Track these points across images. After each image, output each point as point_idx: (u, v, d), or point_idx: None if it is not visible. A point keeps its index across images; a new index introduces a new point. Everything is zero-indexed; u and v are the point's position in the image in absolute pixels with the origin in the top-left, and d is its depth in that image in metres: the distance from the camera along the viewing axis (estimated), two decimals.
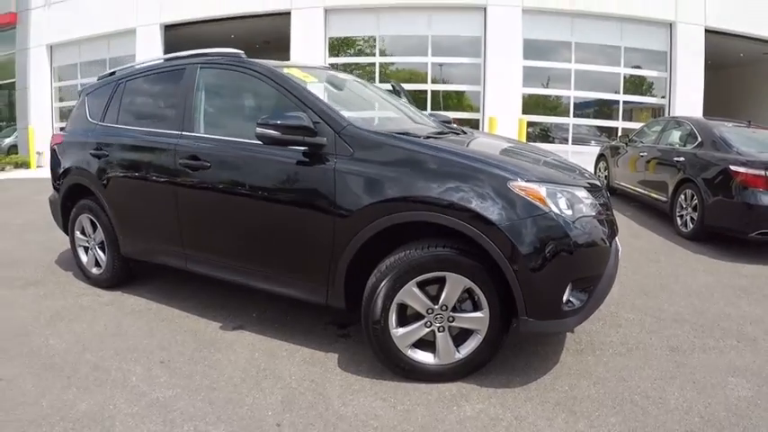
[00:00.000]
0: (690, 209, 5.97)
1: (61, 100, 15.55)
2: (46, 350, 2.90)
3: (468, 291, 2.43)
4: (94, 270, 3.99)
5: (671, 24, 12.08)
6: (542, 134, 12.82)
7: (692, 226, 5.90)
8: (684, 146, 6.51)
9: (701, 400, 2.45)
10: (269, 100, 3.18)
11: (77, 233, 4.04)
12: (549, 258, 2.30)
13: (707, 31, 11.95)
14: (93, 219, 3.87)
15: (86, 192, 3.88)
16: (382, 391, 2.45)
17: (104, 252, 3.85)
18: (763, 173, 5.12)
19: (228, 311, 3.43)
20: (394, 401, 2.36)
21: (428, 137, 2.86)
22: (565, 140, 12.30)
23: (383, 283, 2.44)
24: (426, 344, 2.53)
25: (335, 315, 3.16)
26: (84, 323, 3.29)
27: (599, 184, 2.99)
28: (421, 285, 2.44)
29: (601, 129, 13.26)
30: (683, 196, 6.16)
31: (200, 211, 3.25)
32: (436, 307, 2.46)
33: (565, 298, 2.37)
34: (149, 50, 12.82)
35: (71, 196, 4.03)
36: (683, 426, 2.22)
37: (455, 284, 2.41)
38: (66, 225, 4.14)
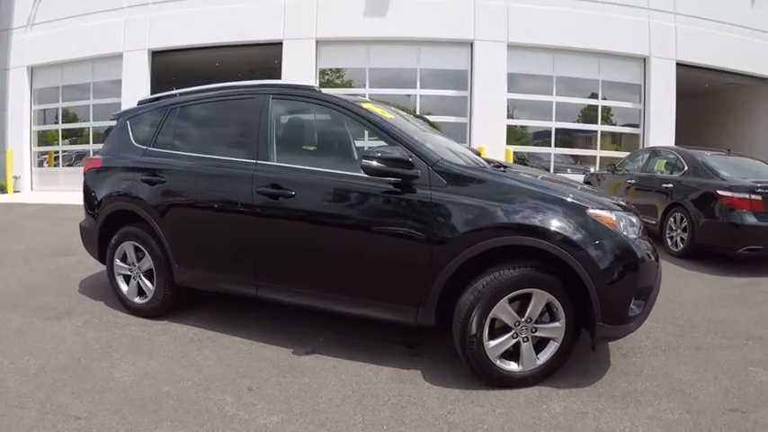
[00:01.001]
0: (679, 230, 6.72)
1: (40, 123, 15.41)
2: (114, 384, 2.80)
3: (548, 304, 2.84)
4: (137, 299, 3.89)
5: (645, 59, 13.17)
6: (520, 163, 13.64)
7: (682, 246, 6.64)
8: (671, 173, 7.30)
9: (734, 385, 3.04)
10: (345, 132, 3.64)
11: (117, 261, 3.93)
12: (622, 273, 2.81)
13: (678, 64, 13.07)
14: (140, 246, 3.79)
15: (131, 218, 3.84)
16: (477, 399, 2.77)
17: (152, 280, 3.78)
18: (747, 196, 5.91)
19: (293, 337, 3.50)
20: (491, 407, 2.69)
21: (504, 170, 3.34)
22: (546, 169, 13.13)
23: (481, 301, 2.76)
24: (508, 354, 2.91)
25: (399, 335, 3.52)
26: (142, 354, 3.20)
27: (636, 211, 3.51)
28: (510, 301, 2.82)
29: (574, 157, 14.24)
30: (672, 219, 6.91)
31: (281, 239, 3.32)
32: (522, 320, 2.85)
33: (630, 306, 2.89)
34: (136, 76, 13.12)
35: (111, 223, 3.95)
36: (726, 404, 2.80)
37: (540, 299, 2.81)
38: (103, 253, 4.03)
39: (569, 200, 2.93)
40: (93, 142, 14.08)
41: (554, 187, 3.12)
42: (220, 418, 2.51)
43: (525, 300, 2.84)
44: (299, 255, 3.32)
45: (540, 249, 2.79)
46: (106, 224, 4.00)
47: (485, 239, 2.82)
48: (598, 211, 2.90)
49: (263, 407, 2.63)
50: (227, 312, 3.96)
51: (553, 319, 2.89)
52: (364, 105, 3.40)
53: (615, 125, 14.07)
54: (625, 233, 2.92)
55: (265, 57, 14.66)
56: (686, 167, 7.03)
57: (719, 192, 6.13)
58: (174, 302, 3.85)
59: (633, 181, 8.21)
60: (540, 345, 2.92)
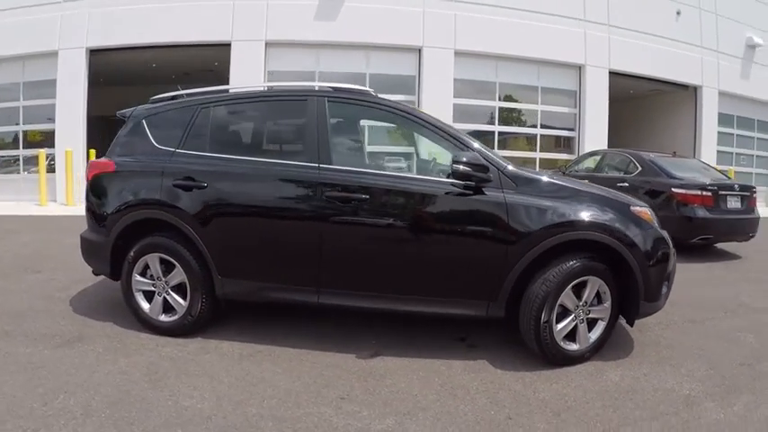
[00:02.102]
0: None
1: None
2: (192, 414, 2.57)
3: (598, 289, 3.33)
4: (163, 317, 3.61)
5: (580, 67, 14.36)
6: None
7: None
8: (626, 173, 8.18)
9: (733, 346, 3.76)
10: (402, 136, 3.95)
11: (137, 276, 3.62)
12: (658, 260, 3.38)
13: (610, 72, 14.38)
14: (169, 258, 3.55)
15: (156, 228, 3.61)
16: (549, 378, 3.13)
17: (182, 295, 3.56)
18: (699, 192, 6.86)
19: (344, 342, 3.55)
20: (565, 383, 3.07)
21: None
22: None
23: (552, 290, 3.17)
24: (568, 335, 3.33)
25: (446, 330, 3.80)
26: (198, 377, 3.00)
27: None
28: (571, 288, 3.26)
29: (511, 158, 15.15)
30: None
31: (352, 243, 3.36)
32: (580, 304, 3.30)
33: (662, 287, 3.45)
34: (72, 75, 12.50)
35: (130, 234, 3.64)
36: (735, 360, 3.50)
37: (594, 285, 3.28)
38: (116, 268, 3.71)
39: (618, 199, 3.52)
40: (24, 147, 13.28)
41: (599, 189, 3.68)
42: (333, 431, 2.48)
43: (581, 286, 3.31)
44: (370, 258, 3.40)
45: (599, 242, 3.29)
46: (124, 235, 3.65)
47: (555, 235, 3.23)
48: (638, 209, 3.49)
49: (368, 413, 2.63)
50: (259, 323, 3.86)
51: (601, 301, 3.37)
52: (420, 110, 3.75)
53: (554, 128, 15.12)
54: (658, 226, 3.53)
55: (203, 59, 14.53)
56: (640, 168, 7.92)
57: (674, 189, 7.02)
58: (210, 318, 3.65)
59: (587, 181, 9.03)
60: (590, 325, 3.39)
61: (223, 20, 12.38)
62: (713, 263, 6.78)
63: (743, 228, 7.22)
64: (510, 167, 3.43)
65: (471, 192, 3.29)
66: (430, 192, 3.37)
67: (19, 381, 2.87)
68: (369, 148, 4.14)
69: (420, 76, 13.41)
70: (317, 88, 3.74)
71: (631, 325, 3.68)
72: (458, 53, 13.42)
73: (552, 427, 2.59)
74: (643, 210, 3.52)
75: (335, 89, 3.68)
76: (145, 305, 3.65)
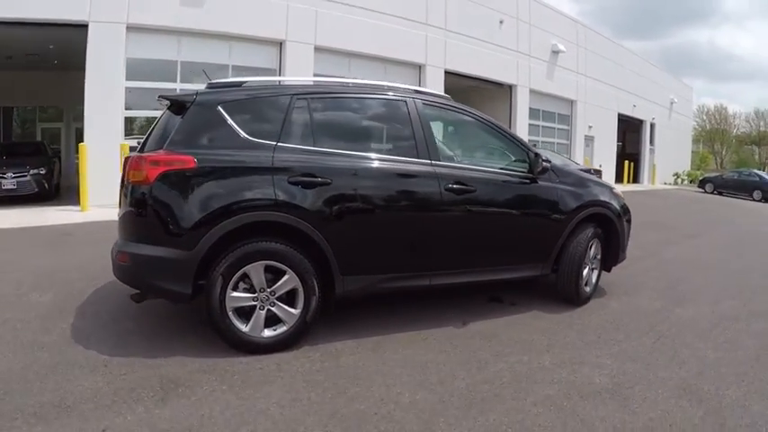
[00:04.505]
0: None
1: None
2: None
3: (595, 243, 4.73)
4: (267, 332, 3.37)
5: (421, 66, 16.15)
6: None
7: None
8: None
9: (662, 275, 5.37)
10: (479, 137, 4.58)
11: (232, 293, 3.27)
12: (628, 221, 5.00)
13: (446, 72, 16.45)
14: (280, 265, 3.32)
15: (257, 232, 3.34)
16: (578, 314, 4.43)
17: (291, 305, 3.41)
18: None
19: (437, 320, 4.07)
20: (591, 314, 4.48)
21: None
22: None
23: (583, 250, 4.46)
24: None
25: (484, 295, 4.70)
26: (394, 371, 3.19)
27: None
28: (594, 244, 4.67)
29: None
30: None
31: (460, 229, 3.96)
32: (591, 258, 4.65)
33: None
34: None
35: (225, 243, 3.26)
36: (676, 280, 5.05)
37: (597, 245, 4.72)
38: (198, 287, 3.28)
39: (605, 184, 4.99)
40: None
41: (594, 177, 5.07)
42: (508, 363, 3.34)
43: (590, 247, 4.60)
44: (471, 240, 4.04)
45: (603, 214, 4.68)
46: (219, 245, 3.24)
47: (584, 210, 4.53)
48: (615, 188, 5.05)
49: (510, 350, 3.56)
50: (335, 321, 3.91)
51: (596, 253, 4.75)
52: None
53: None
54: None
55: (43, 40, 12.91)
56: None
57: None
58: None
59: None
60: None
61: None
62: None
63: None
64: (553, 163, 4.54)
65: (530, 181, 4.33)
66: (512, 181, 4.28)
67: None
68: (458, 147, 4.74)
69: (281, 70, 13.76)
70: (402, 88, 4.16)
71: (609, 271, 5.10)
72: (318, 49, 14.08)
73: (570, 330, 4.09)
74: (617, 189, 5.04)
75: (428, 93, 4.24)
76: (242, 326, 3.31)
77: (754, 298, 5.23)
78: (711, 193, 25.72)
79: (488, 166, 4.38)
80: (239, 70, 13.20)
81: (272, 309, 3.37)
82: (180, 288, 3.24)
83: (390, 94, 4.03)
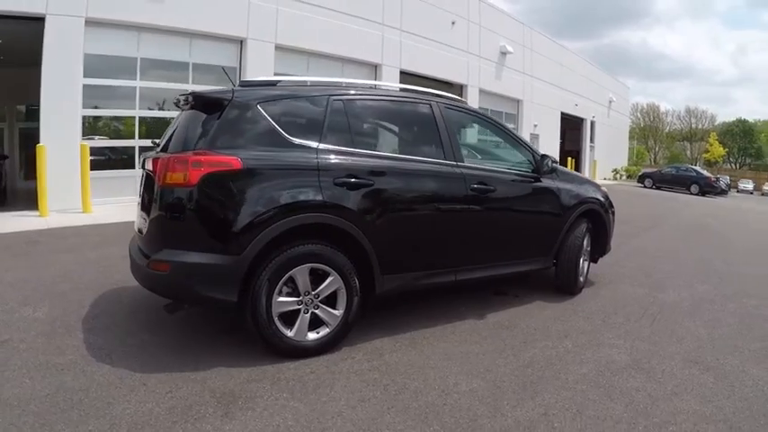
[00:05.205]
0: None
1: None
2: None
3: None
4: (312, 336, 3.41)
5: (377, 66, 16.49)
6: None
7: None
8: None
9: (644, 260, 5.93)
10: (491, 139, 4.97)
11: (278, 298, 3.27)
12: (613, 214, 5.57)
13: (401, 72, 16.84)
14: (324, 267, 3.38)
15: (302, 235, 3.36)
16: (570, 302, 4.91)
17: (334, 306, 3.47)
18: None
19: (456, 314, 4.37)
20: (586, 300, 4.97)
21: None
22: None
23: (581, 243, 4.97)
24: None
25: (489, 288, 5.10)
26: (449, 365, 3.38)
27: None
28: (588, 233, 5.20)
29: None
30: None
31: (482, 226, 4.26)
32: (585, 250, 5.15)
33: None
34: None
35: (270, 247, 3.23)
36: (652, 269, 5.60)
37: (588, 237, 5.19)
38: (244, 295, 3.22)
39: (593, 181, 5.50)
40: None
41: (582, 175, 5.61)
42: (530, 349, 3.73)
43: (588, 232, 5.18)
44: (493, 236, 4.40)
45: (595, 209, 5.18)
46: (269, 248, 3.22)
47: (580, 206, 5.02)
48: (602, 185, 5.55)
49: (522, 337, 3.94)
50: (362, 319, 3.90)
51: (587, 246, 5.29)
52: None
53: None
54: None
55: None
56: None
57: None
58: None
59: None
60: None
61: None
62: None
63: None
64: (554, 163, 4.98)
65: (536, 180, 4.74)
66: (522, 180, 4.68)
67: None
68: (475, 149, 5.06)
69: (242, 68, 13.75)
70: (424, 92, 4.37)
71: (596, 262, 5.61)
72: (278, 47, 14.16)
73: (576, 316, 4.56)
74: (603, 186, 5.59)
75: (448, 97, 4.46)
76: (286, 331, 3.31)
77: (722, 283, 5.95)
78: (651, 187, 27.53)
79: (502, 166, 4.78)
80: (200, 69, 13.11)
81: (316, 312, 3.41)
82: (226, 296, 3.16)
83: (416, 97, 4.23)
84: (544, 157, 4.72)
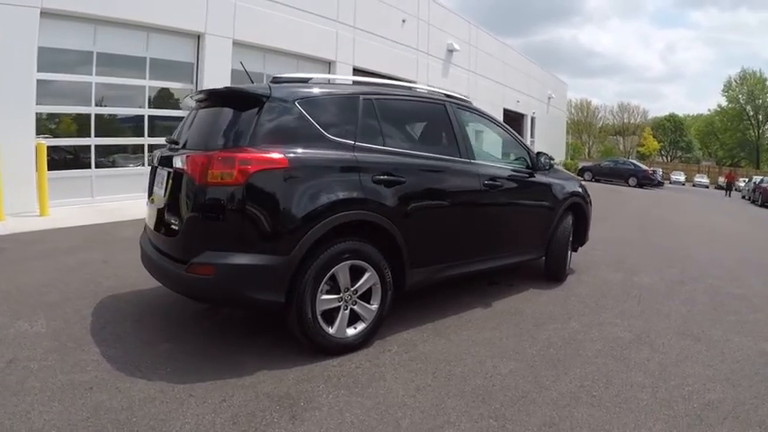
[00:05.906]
0: None
1: None
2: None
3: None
4: (350, 331, 3.51)
5: (330, 63, 16.72)
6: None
7: None
8: None
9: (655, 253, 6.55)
10: (495, 138, 5.29)
11: (321, 296, 3.33)
12: (590, 204, 6.10)
13: (354, 69, 17.11)
14: (362, 263, 3.48)
15: (343, 231, 3.42)
16: (564, 287, 5.41)
17: (368, 302, 3.59)
18: None
19: (463, 305, 4.64)
20: (573, 286, 5.49)
21: None
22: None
23: (569, 234, 5.51)
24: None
25: (483, 280, 5.47)
26: (488, 352, 3.64)
27: None
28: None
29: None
30: None
31: (492, 219, 4.62)
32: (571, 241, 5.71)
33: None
34: None
35: (315, 246, 3.27)
36: (640, 255, 6.22)
37: (572, 228, 5.67)
38: (291, 295, 3.24)
39: (573, 175, 6.06)
40: None
41: (564, 170, 6.00)
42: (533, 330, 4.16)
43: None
44: (501, 229, 4.78)
45: (579, 203, 5.72)
46: (316, 246, 3.27)
47: (568, 199, 5.54)
48: (581, 179, 6.17)
49: (527, 325, 4.34)
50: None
51: (571, 236, 5.78)
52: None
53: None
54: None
55: None
56: None
57: None
58: None
59: None
60: None
61: None
62: None
63: None
64: (551, 160, 5.48)
65: (532, 176, 5.20)
66: (523, 177, 5.09)
67: None
68: (488, 147, 5.35)
69: (199, 63, 13.65)
70: (438, 92, 4.65)
71: (576, 251, 6.14)
72: (235, 43, 14.12)
73: (571, 300, 5.04)
74: (583, 181, 6.16)
75: (456, 98, 4.75)
76: (328, 328, 3.38)
77: (686, 267, 6.72)
78: (590, 180, 29.02)
79: (504, 163, 5.21)
80: (157, 64, 12.90)
81: (354, 307, 3.51)
82: (275, 297, 3.16)
83: (432, 97, 4.51)
84: (539, 154, 5.20)
